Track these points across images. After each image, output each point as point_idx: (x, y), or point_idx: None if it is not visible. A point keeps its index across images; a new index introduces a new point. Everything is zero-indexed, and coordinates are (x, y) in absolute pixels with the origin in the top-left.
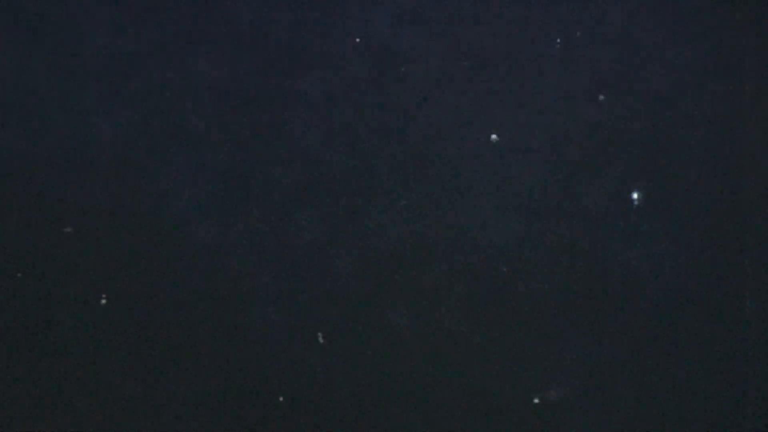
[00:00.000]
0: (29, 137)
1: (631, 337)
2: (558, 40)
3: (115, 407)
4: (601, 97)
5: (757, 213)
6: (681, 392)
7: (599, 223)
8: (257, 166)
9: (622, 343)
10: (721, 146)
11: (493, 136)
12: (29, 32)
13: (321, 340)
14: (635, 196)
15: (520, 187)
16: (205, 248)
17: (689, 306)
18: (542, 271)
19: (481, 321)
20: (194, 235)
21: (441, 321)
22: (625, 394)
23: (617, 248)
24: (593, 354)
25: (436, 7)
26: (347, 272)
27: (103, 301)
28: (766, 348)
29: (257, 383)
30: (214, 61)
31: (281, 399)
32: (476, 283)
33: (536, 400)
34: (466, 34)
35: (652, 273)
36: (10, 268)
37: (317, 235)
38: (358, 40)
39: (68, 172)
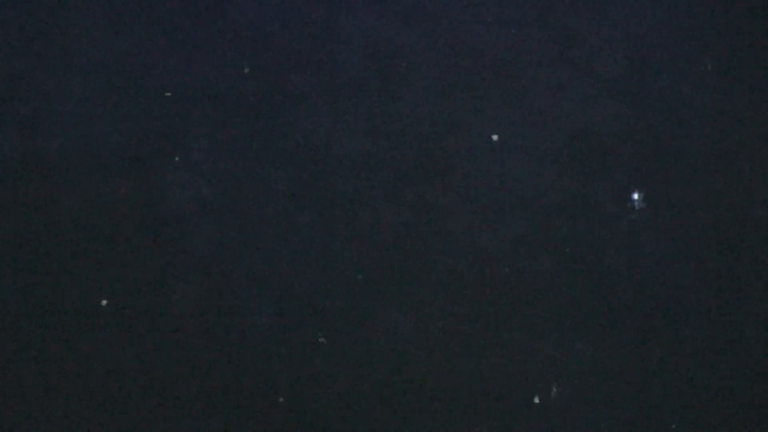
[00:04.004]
0: (30, 138)
1: (631, 337)
2: (557, 41)
3: (115, 408)
4: (601, 98)
5: (758, 213)
6: (681, 392)
7: (600, 223)
8: (257, 166)
9: (622, 343)
10: (721, 147)
11: (494, 136)
12: (30, 33)
13: (321, 340)
14: (636, 196)
15: (520, 187)
16: (206, 249)
17: (689, 306)
18: (542, 271)
19: (482, 321)
20: (194, 236)
21: (441, 321)
22: (625, 393)
23: (618, 248)
24: (593, 354)
25: (437, 7)
26: (347, 272)
27: (104, 302)
28: (766, 348)
29: (257, 383)
30: (214, 61)
31: (281, 399)
32: (477, 283)
33: (536, 400)
34: (466, 34)
35: (652, 273)
36: (11, 269)
37: (317, 235)
38: (358, 40)
39: (68, 172)
